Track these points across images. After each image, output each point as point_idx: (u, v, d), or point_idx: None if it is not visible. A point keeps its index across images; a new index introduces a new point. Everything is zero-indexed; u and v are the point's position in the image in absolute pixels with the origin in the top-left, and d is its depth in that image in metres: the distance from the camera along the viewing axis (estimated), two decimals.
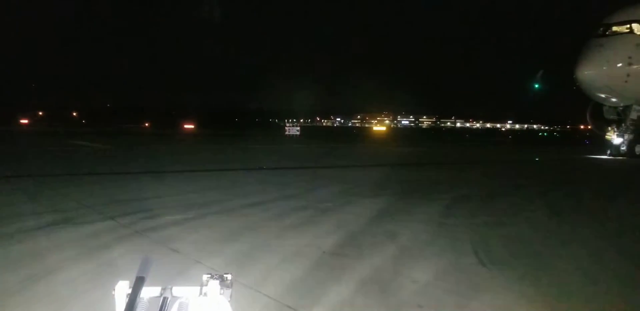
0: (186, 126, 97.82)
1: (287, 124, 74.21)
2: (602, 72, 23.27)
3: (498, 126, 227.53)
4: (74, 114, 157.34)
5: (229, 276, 1.47)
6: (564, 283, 4.99)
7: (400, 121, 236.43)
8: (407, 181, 13.75)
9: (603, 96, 24.34)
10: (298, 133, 50.63)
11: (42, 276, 4.81)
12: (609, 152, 26.12)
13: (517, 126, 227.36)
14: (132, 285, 1.38)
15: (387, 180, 13.94)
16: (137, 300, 1.33)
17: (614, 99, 24.48)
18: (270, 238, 6.69)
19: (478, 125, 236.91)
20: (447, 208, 9.29)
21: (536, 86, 43.82)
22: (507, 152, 32.11)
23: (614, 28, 24.28)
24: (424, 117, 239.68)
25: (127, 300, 1.34)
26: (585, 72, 23.40)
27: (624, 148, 25.49)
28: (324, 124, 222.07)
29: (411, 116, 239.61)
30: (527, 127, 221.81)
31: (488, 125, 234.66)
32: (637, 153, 25.28)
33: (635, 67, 23.18)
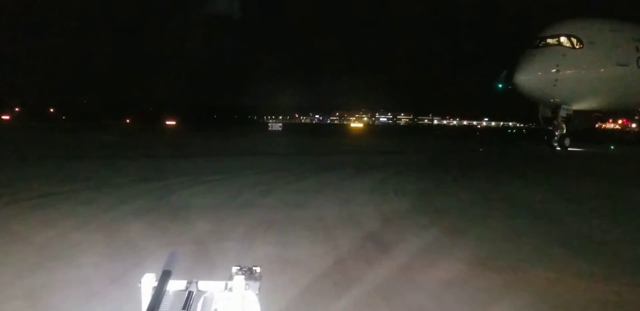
0: (168, 123, 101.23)
1: (271, 121, 79.81)
2: (535, 78, 28.48)
3: (474, 123, 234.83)
4: (52, 110, 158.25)
5: (258, 269, 1.54)
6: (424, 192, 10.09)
7: (378, 118, 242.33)
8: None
9: (537, 97, 29.70)
10: (280, 129, 55.94)
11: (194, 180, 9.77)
12: (548, 144, 31.44)
13: (493, 123, 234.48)
14: (158, 278, 1.43)
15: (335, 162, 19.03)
16: (163, 293, 1.37)
17: (546, 100, 29.89)
18: (268, 191, 11.68)
19: (455, 122, 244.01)
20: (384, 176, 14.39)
21: (499, 85, 49.09)
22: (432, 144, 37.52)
23: (547, 40, 29.57)
24: (402, 114, 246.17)
25: (152, 293, 1.39)
26: (522, 78, 28.60)
27: (556, 141, 30.82)
28: (303, 120, 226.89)
29: (389, 113, 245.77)
30: (503, 125, 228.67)
31: (464, 122, 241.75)
32: (566, 145, 30.60)
33: (562, 73, 28.44)
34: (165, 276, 1.41)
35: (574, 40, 29.17)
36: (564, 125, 30.83)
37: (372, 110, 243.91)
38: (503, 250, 6.23)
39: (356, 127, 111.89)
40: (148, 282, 1.46)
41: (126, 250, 5.82)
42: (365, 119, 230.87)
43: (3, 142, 27.38)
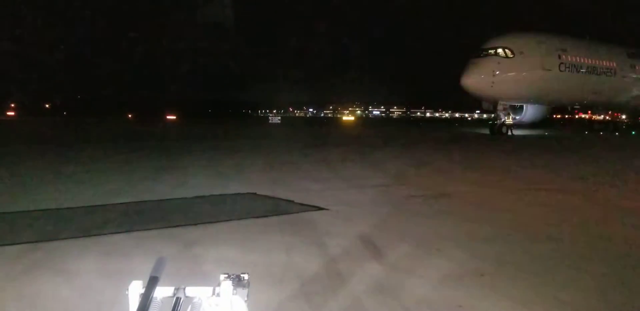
0: (169, 117, 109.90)
1: (270, 115, 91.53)
2: (476, 81, 38.69)
3: (466, 115, 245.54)
4: (47, 105, 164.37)
5: (246, 276, 1.60)
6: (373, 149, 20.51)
7: (371, 111, 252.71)
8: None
9: (479, 96, 40.02)
10: (279, 121, 67.12)
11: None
12: (490, 131, 41.73)
13: (484, 116, 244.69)
14: (145, 285, 1.47)
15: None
16: (150, 300, 1.42)
17: (486, 98, 40.23)
18: (283, 153, 22.02)
19: (447, 115, 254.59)
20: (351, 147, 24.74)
21: None
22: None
23: (488, 51, 39.80)
24: (395, 107, 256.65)
25: (140, 300, 1.44)
26: (466, 81, 38.80)
27: (496, 129, 41.03)
28: (297, 114, 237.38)
29: (382, 107, 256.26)
30: (493, 116, 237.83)
31: (457, 115, 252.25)
32: (503, 132, 40.73)
33: (497, 77, 38.57)
34: (152, 283, 1.46)
35: (508, 51, 39.37)
36: (501, 116, 41.08)
37: (365, 103, 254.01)
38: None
39: (347, 120, 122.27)
40: (135, 289, 1.50)
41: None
42: (359, 112, 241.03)
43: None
